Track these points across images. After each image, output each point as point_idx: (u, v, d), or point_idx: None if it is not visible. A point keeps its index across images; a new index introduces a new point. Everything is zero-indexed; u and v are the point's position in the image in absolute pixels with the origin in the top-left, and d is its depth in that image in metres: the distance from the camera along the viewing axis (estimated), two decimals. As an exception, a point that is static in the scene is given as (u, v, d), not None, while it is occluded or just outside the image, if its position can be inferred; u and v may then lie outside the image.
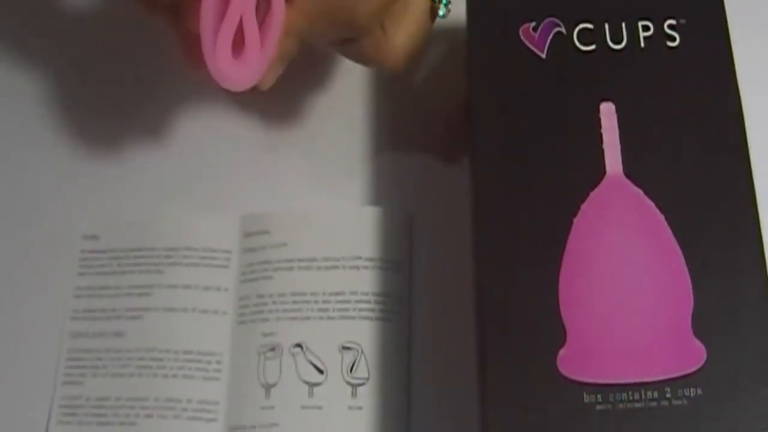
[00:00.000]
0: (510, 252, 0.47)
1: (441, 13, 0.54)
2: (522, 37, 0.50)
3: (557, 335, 0.45)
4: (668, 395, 0.44)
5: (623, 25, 0.50)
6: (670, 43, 0.50)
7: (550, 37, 0.50)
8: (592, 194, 0.47)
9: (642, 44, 0.50)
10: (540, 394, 0.44)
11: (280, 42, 0.50)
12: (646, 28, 0.50)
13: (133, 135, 0.61)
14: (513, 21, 0.51)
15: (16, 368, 0.57)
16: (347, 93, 0.61)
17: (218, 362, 0.56)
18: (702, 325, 0.45)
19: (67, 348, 0.57)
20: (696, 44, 0.50)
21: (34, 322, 0.58)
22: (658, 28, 0.50)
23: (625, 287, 0.46)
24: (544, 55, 0.50)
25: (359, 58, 0.54)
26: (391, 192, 0.58)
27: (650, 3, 0.51)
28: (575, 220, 0.47)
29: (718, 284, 0.46)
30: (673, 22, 0.50)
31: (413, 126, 0.60)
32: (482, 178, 0.48)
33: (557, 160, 0.48)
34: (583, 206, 0.47)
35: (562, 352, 0.45)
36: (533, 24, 0.51)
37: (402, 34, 0.53)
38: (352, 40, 0.52)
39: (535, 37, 0.50)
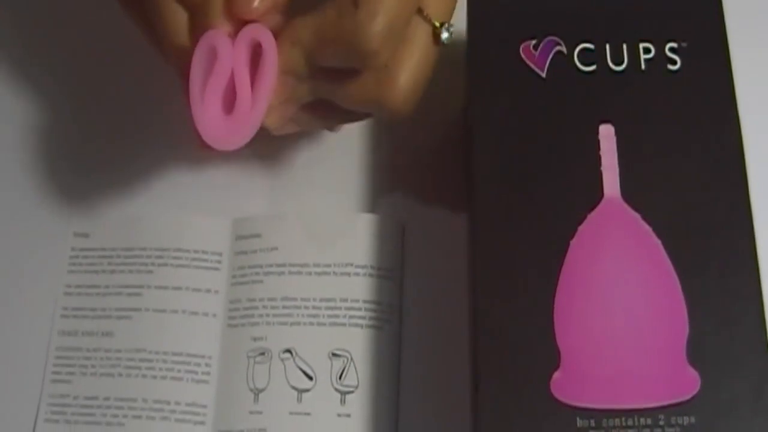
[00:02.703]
0: (506, 273, 0.47)
1: (444, 37, 0.50)
2: (522, 56, 0.50)
3: (552, 358, 0.45)
4: (661, 422, 0.44)
5: (624, 46, 0.50)
6: (671, 66, 0.50)
7: (551, 56, 0.50)
8: (590, 217, 0.48)
9: (643, 66, 0.50)
10: (533, 417, 0.45)
11: (281, 84, 0.49)
12: (647, 50, 0.50)
13: (125, 134, 0.61)
14: (514, 39, 0.51)
15: (4, 364, 0.57)
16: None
17: (207, 365, 0.56)
18: (697, 352, 0.45)
19: (56, 346, 0.57)
20: (697, 68, 0.50)
21: (23, 318, 0.58)
22: (660, 50, 0.50)
23: (621, 312, 0.46)
24: (544, 75, 0.50)
25: (358, 99, 0.50)
26: (384, 199, 0.58)
27: (652, 25, 0.51)
28: (572, 243, 0.47)
29: (714, 311, 0.46)
30: (674, 45, 0.50)
31: (408, 134, 0.59)
32: (479, 198, 0.48)
33: (555, 180, 0.48)
34: (581, 228, 0.47)
35: (556, 375, 0.45)
36: (534, 42, 0.50)
37: (405, 68, 0.49)
38: (352, 78, 0.49)
39: (536, 56, 0.50)
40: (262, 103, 0.48)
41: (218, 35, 0.48)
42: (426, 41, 0.50)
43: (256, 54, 0.49)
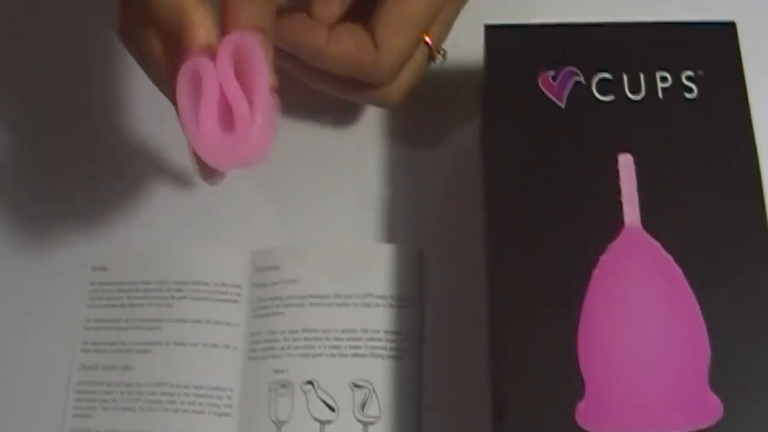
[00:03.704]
0: (529, 303, 0.47)
1: (438, 61, 0.56)
2: (541, 86, 0.51)
3: (576, 388, 0.46)
4: (686, 450, 0.45)
5: (641, 75, 0.51)
6: (687, 95, 0.50)
7: (569, 86, 0.51)
8: (611, 246, 0.48)
9: (660, 95, 0.50)
10: (559, 447, 0.45)
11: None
12: (664, 79, 0.51)
13: (143, 167, 0.61)
14: (532, 69, 0.51)
15: (25, 399, 0.57)
16: (361, 130, 0.61)
17: (229, 398, 0.56)
18: (719, 379, 0.46)
19: (77, 380, 0.57)
20: (713, 96, 0.50)
21: (43, 353, 0.58)
22: (676, 79, 0.51)
23: (643, 340, 0.47)
24: (563, 105, 0.50)
25: (359, 96, 0.56)
26: (402, 229, 0.58)
27: (668, 54, 0.51)
28: (594, 272, 0.47)
29: (735, 338, 0.46)
30: (690, 73, 0.51)
31: (424, 163, 0.60)
32: (500, 228, 0.49)
33: (576, 210, 0.49)
34: (602, 258, 0.48)
35: (580, 404, 0.45)
36: (552, 73, 0.51)
37: (403, 79, 0.55)
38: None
39: (554, 86, 0.51)
40: (261, 110, 0.45)
41: (196, 59, 0.46)
42: (422, 60, 0.55)
43: (240, 62, 0.46)
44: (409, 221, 0.59)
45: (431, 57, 0.55)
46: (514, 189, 0.49)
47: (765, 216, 0.48)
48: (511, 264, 0.48)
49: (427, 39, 0.54)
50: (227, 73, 0.46)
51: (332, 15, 0.54)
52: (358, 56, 0.52)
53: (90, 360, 0.58)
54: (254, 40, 0.46)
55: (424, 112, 0.59)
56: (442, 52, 0.56)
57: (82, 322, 0.59)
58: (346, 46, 0.53)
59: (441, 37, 0.56)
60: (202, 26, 0.46)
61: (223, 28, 0.48)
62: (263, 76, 0.46)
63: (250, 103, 0.46)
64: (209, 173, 0.50)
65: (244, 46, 0.46)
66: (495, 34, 0.52)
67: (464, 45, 0.56)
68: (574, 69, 0.51)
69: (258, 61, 0.46)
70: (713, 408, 0.45)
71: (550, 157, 0.50)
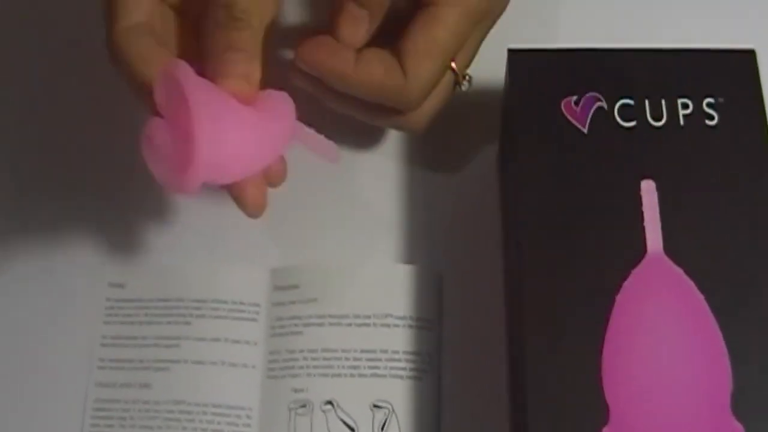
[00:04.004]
0: (554, 329, 0.48)
1: (464, 88, 0.56)
2: (564, 111, 0.51)
3: (601, 413, 0.46)
4: (709, 477, 0.45)
5: (663, 102, 0.51)
6: (708, 122, 0.51)
7: (592, 111, 0.51)
8: (634, 272, 0.48)
9: (681, 122, 0.51)
10: (585, 472, 0.46)
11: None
12: (685, 106, 0.51)
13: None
14: (555, 94, 0.51)
15: (42, 417, 0.57)
16: (380, 150, 0.61)
17: (248, 416, 0.56)
18: (741, 405, 0.46)
19: (94, 398, 0.57)
20: (734, 123, 0.51)
21: (60, 370, 0.58)
22: (697, 106, 0.51)
23: (666, 367, 0.47)
24: (585, 130, 0.51)
25: (386, 122, 0.57)
26: (421, 250, 0.59)
27: (689, 81, 0.52)
28: (617, 298, 0.48)
29: (757, 364, 0.47)
30: (711, 100, 0.51)
31: (443, 184, 0.60)
32: (525, 255, 0.49)
33: (599, 236, 0.49)
34: (626, 285, 0.48)
35: (605, 430, 0.46)
36: (575, 98, 0.51)
37: (428, 105, 0.55)
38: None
39: (577, 112, 0.51)
40: (199, 140, 0.45)
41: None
42: (448, 85, 0.56)
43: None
44: (428, 243, 0.59)
45: (457, 83, 0.55)
46: (537, 214, 0.50)
47: (786, 242, 0.49)
48: (535, 290, 0.48)
49: (453, 65, 0.54)
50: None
51: (359, 39, 0.53)
52: (385, 83, 0.52)
53: (107, 377, 0.58)
54: (181, 71, 0.46)
55: (443, 135, 0.60)
56: (467, 77, 0.56)
57: (98, 338, 0.59)
58: (373, 72, 0.52)
59: (466, 63, 0.55)
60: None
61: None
62: (194, 107, 0.45)
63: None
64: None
65: (174, 75, 0.46)
66: (518, 58, 0.53)
67: (483, 68, 0.56)
68: (597, 94, 0.51)
69: (187, 93, 0.46)
70: (735, 434, 0.46)
71: (574, 183, 0.50)
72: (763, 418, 0.46)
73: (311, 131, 0.53)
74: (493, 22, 0.55)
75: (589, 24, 0.63)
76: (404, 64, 0.52)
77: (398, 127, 0.58)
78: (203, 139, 0.45)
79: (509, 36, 0.55)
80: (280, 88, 0.52)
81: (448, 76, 0.55)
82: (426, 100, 0.54)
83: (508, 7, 0.55)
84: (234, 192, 0.51)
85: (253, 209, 0.52)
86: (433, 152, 0.61)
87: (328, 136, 0.54)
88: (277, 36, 0.54)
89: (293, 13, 0.64)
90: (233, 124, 0.48)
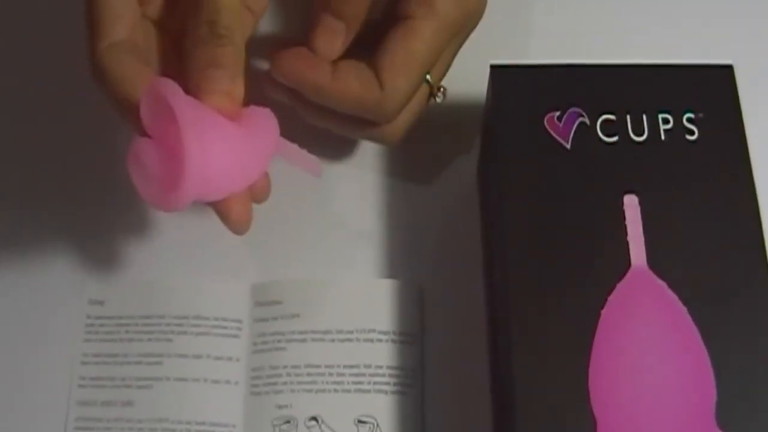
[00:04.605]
0: (541, 344, 0.48)
1: (438, 101, 0.56)
2: (547, 127, 0.52)
3: (588, 426, 0.46)
4: (694, 488, 0.46)
5: (644, 117, 0.52)
6: (689, 137, 0.51)
7: (575, 127, 0.52)
8: (619, 286, 0.49)
9: (662, 137, 0.51)
10: (573, 486, 0.46)
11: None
12: (666, 121, 0.52)
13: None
14: (538, 109, 0.52)
15: (23, 437, 0.57)
16: (360, 164, 0.61)
17: (232, 434, 0.56)
18: (725, 416, 0.47)
19: (75, 417, 0.57)
20: (713, 138, 0.51)
21: (39, 389, 0.58)
22: (678, 120, 0.52)
23: (651, 379, 0.47)
24: (568, 146, 0.51)
25: (360, 134, 0.57)
26: (402, 264, 0.59)
27: (669, 96, 0.52)
28: (603, 312, 0.48)
29: (740, 375, 0.47)
30: (691, 115, 0.52)
31: (423, 199, 0.60)
32: (509, 271, 0.49)
33: (584, 251, 0.49)
34: (610, 298, 0.49)
35: (593, 443, 0.46)
36: (558, 113, 0.52)
37: (404, 113, 0.55)
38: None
39: (560, 127, 0.52)
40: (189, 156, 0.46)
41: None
42: (422, 97, 0.56)
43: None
44: (409, 256, 0.59)
45: (432, 95, 0.56)
46: (521, 230, 0.50)
47: (765, 255, 0.50)
48: (520, 305, 0.49)
49: (428, 78, 0.55)
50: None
51: (335, 51, 0.53)
52: (362, 95, 0.53)
53: (88, 396, 0.57)
54: (169, 89, 0.46)
55: (422, 148, 0.60)
56: (442, 89, 0.56)
57: (78, 356, 0.58)
58: (350, 84, 0.52)
59: (441, 76, 0.56)
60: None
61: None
62: (184, 126, 0.45)
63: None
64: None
65: (161, 92, 0.46)
66: (501, 74, 0.53)
67: (461, 82, 0.57)
68: (579, 110, 0.52)
69: (177, 111, 0.46)
70: (720, 444, 0.47)
71: (557, 198, 0.50)
72: (746, 428, 0.47)
73: (294, 146, 0.53)
74: (467, 35, 0.56)
75: (566, 39, 0.64)
76: (381, 77, 0.52)
77: (373, 139, 0.58)
78: (193, 157, 0.45)
79: (487, 51, 0.56)
80: (259, 102, 0.52)
81: (423, 89, 0.55)
82: (401, 112, 0.54)
83: (485, 23, 0.56)
84: (219, 209, 0.51)
85: (238, 226, 0.52)
86: (413, 166, 0.61)
87: (308, 151, 0.54)
88: (251, 47, 0.53)
89: (265, 24, 0.64)
90: (220, 142, 0.48)
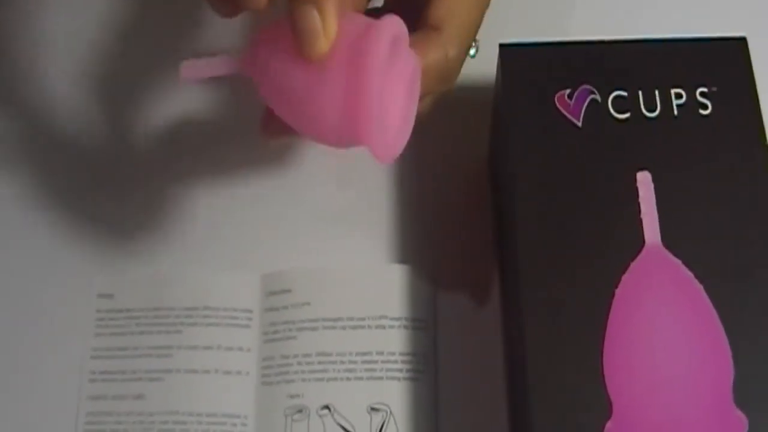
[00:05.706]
0: (554, 325, 0.47)
1: (472, 53, 0.53)
2: (558, 105, 0.51)
3: (603, 407, 0.46)
4: (713, 467, 0.45)
5: (656, 93, 0.51)
6: (702, 111, 0.50)
7: (586, 104, 0.51)
8: (633, 265, 0.48)
9: (675, 112, 0.50)
10: (589, 468, 0.45)
11: None
12: (678, 96, 0.51)
13: (150, 191, 0.60)
14: (548, 88, 0.51)
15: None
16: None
17: (243, 424, 0.55)
18: (743, 394, 0.46)
19: (87, 411, 0.56)
20: (727, 111, 0.50)
21: (50, 384, 0.57)
22: (691, 95, 0.51)
23: (667, 358, 0.47)
24: (580, 123, 0.50)
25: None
26: (414, 250, 0.58)
27: (681, 71, 0.51)
28: (617, 292, 0.47)
29: (758, 353, 0.46)
30: (704, 89, 0.51)
31: (434, 184, 0.60)
32: (522, 252, 0.48)
33: (597, 230, 0.48)
34: (624, 277, 0.48)
35: (608, 424, 0.45)
36: (568, 91, 0.51)
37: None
38: None
39: (571, 105, 0.51)
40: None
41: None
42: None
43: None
44: (420, 242, 0.58)
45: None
46: (533, 211, 0.49)
47: (782, 230, 0.49)
48: (533, 287, 0.48)
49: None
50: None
51: None
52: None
53: (99, 390, 0.57)
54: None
55: (433, 131, 0.59)
56: (476, 43, 0.53)
57: (88, 351, 0.58)
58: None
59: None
60: None
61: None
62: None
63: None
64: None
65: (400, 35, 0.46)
66: (510, 53, 0.52)
67: (471, 62, 0.56)
68: (590, 87, 0.51)
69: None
70: (738, 423, 0.45)
71: (570, 177, 0.49)
72: (765, 407, 0.46)
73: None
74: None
75: (575, 17, 0.63)
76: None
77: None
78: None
79: (496, 31, 0.55)
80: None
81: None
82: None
83: (493, 3, 0.54)
84: None
85: None
86: (424, 151, 0.60)
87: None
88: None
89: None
90: None
